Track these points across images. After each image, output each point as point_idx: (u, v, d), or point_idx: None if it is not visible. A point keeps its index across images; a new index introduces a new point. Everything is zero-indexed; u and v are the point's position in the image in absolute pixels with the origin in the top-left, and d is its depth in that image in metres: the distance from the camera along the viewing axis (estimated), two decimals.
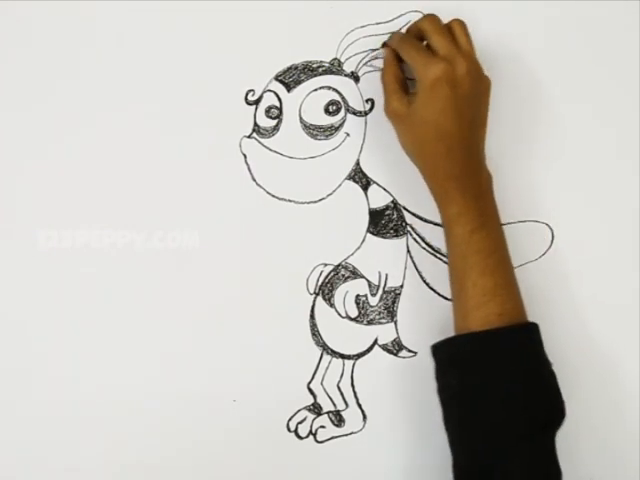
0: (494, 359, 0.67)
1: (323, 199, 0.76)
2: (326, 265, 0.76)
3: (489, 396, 0.66)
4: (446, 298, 0.76)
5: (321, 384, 0.76)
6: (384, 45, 0.74)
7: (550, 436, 0.67)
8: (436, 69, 0.67)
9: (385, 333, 0.76)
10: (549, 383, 0.68)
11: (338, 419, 0.76)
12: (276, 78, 0.75)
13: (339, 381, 0.76)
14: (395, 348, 0.76)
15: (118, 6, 0.74)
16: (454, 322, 0.70)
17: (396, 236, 0.76)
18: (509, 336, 0.67)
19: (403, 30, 0.74)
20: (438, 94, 0.67)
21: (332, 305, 0.76)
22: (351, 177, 0.76)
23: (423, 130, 0.69)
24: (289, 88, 0.75)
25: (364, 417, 0.76)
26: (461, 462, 0.68)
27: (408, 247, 0.76)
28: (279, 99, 0.75)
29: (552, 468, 0.66)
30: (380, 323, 0.76)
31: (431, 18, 0.70)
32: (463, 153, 0.69)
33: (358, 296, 0.76)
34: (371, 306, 0.76)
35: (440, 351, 0.70)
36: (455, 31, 0.70)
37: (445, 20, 0.71)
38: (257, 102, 0.75)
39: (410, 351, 0.76)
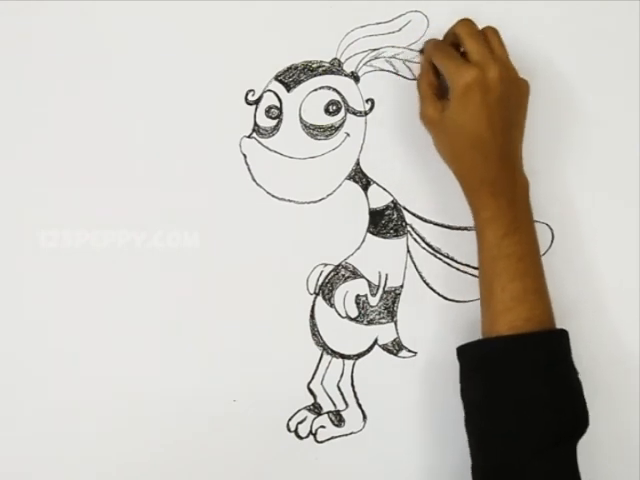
0: (520, 364, 0.67)
1: (323, 199, 0.76)
2: (326, 265, 0.76)
3: (513, 401, 0.66)
4: (446, 298, 0.76)
5: (321, 384, 0.76)
6: (421, 52, 0.75)
7: (572, 444, 0.66)
8: (467, 75, 0.67)
9: (385, 333, 0.76)
10: (575, 391, 0.67)
11: (338, 419, 0.76)
12: (276, 78, 0.75)
13: (339, 381, 0.76)
14: (395, 348, 0.76)
15: (118, 6, 0.74)
16: (482, 326, 0.70)
17: (396, 236, 0.76)
18: (536, 341, 0.67)
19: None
20: (470, 100, 0.67)
21: (332, 305, 0.76)
22: (351, 177, 0.76)
23: (457, 136, 0.69)
24: (289, 88, 0.75)
25: (364, 417, 0.76)
26: (481, 465, 0.68)
27: (408, 247, 0.76)
28: (279, 99, 0.75)
29: (572, 476, 0.66)
30: (380, 323, 0.76)
31: (465, 22, 0.70)
32: (497, 158, 0.69)
33: (358, 296, 0.76)
34: (371, 306, 0.76)
35: (466, 353, 0.70)
36: (488, 37, 0.70)
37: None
38: (257, 102, 0.75)
39: (410, 351, 0.76)
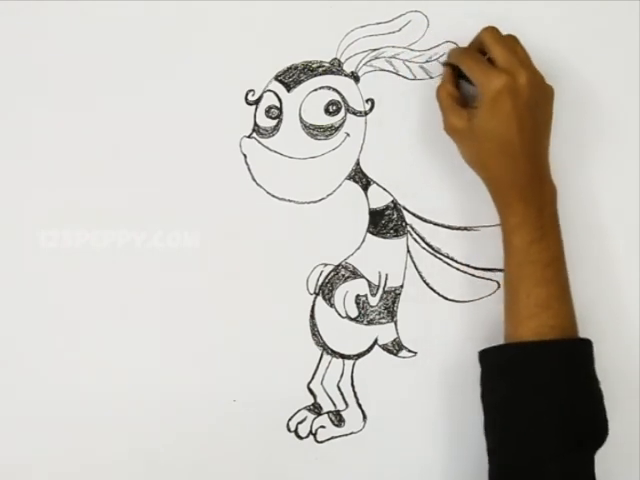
0: (543, 370, 0.67)
1: (323, 199, 0.76)
2: (326, 265, 0.76)
3: (534, 405, 0.66)
4: (446, 298, 0.76)
5: (321, 384, 0.76)
6: (445, 64, 0.74)
7: (590, 453, 0.67)
8: (498, 81, 0.67)
9: (385, 333, 0.76)
10: (595, 400, 0.68)
11: (338, 419, 0.76)
12: (276, 78, 0.75)
13: (339, 381, 0.76)
14: (395, 348, 0.76)
15: (119, 6, 0.74)
16: (504, 330, 0.70)
17: (396, 236, 0.76)
18: (560, 349, 0.67)
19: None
20: (501, 106, 0.67)
21: (332, 305, 0.76)
22: (351, 177, 0.76)
23: (486, 143, 0.69)
24: (289, 88, 0.75)
25: (364, 417, 0.76)
26: (498, 469, 0.68)
27: (408, 247, 0.76)
28: (279, 99, 0.75)
29: None
30: (380, 323, 0.76)
31: (491, 29, 0.70)
32: (527, 164, 0.69)
33: (358, 296, 0.76)
34: (371, 306, 0.76)
35: (488, 357, 0.70)
36: (511, 43, 0.70)
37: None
38: (257, 102, 0.75)
39: (410, 351, 0.76)
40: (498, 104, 0.67)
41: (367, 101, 0.76)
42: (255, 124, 0.75)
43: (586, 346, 0.69)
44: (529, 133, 0.69)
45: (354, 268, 0.76)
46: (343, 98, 0.76)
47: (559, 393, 0.66)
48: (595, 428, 0.67)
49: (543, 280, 0.68)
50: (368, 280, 0.76)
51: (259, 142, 0.75)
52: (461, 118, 0.70)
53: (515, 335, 0.68)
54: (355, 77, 0.75)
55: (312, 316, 0.76)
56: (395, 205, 0.76)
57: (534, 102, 0.68)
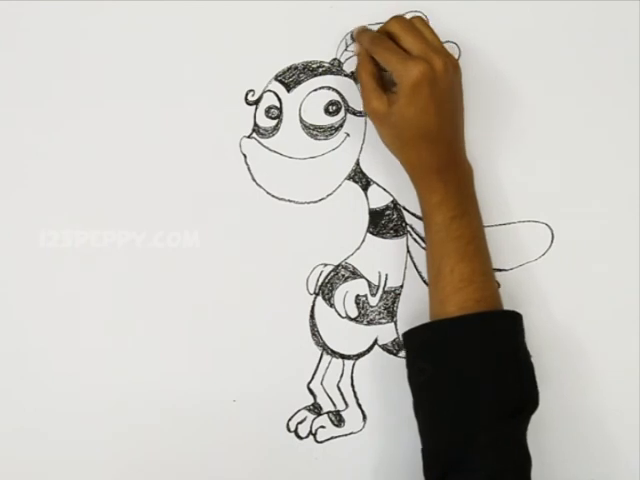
0: (469, 344, 0.67)
1: (323, 199, 0.76)
2: (326, 265, 0.76)
3: (462, 381, 0.66)
4: None
5: (321, 384, 0.76)
6: (352, 38, 0.74)
7: (521, 423, 0.67)
8: (416, 70, 0.67)
9: (385, 333, 0.76)
10: (524, 371, 0.68)
11: (338, 419, 0.76)
12: (276, 78, 0.75)
13: (339, 381, 0.76)
14: (395, 348, 0.76)
15: (118, 6, 0.74)
16: (430, 309, 0.71)
17: (396, 236, 0.76)
18: (486, 320, 0.68)
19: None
20: (419, 94, 0.67)
21: (332, 305, 0.76)
22: (351, 177, 0.76)
23: (405, 129, 0.69)
24: (289, 88, 0.75)
25: (364, 417, 0.76)
26: (430, 448, 0.68)
27: (408, 247, 0.76)
28: (279, 99, 0.75)
29: (521, 454, 0.67)
30: (380, 323, 0.76)
31: (399, 19, 0.71)
32: (445, 147, 0.70)
33: (358, 296, 0.76)
34: (371, 306, 0.76)
35: (415, 337, 0.70)
36: (420, 28, 0.70)
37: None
38: (257, 102, 0.75)
39: None
40: (417, 93, 0.67)
41: None
42: (255, 124, 0.75)
43: (512, 318, 0.69)
44: (447, 118, 0.69)
45: (354, 268, 0.76)
46: (343, 98, 0.76)
47: (484, 365, 0.66)
48: (523, 398, 0.67)
49: (466, 255, 0.68)
50: (368, 280, 0.76)
51: (259, 142, 0.75)
52: (382, 102, 0.70)
53: (441, 312, 0.69)
54: (355, 77, 0.75)
55: (312, 316, 0.76)
56: (395, 205, 0.76)
57: (450, 86, 0.69)
